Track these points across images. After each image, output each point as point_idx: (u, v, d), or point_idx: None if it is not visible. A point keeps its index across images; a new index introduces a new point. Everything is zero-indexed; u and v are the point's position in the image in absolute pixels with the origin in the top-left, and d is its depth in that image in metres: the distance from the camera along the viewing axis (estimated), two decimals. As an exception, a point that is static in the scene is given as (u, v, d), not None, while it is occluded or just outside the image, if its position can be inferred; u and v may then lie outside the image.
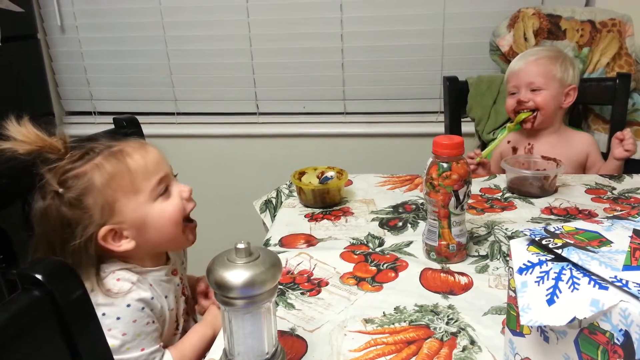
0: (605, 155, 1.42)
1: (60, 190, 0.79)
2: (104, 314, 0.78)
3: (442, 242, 0.90)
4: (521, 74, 1.40)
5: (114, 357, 0.77)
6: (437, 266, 0.91)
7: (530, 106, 1.39)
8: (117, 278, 0.82)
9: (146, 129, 1.14)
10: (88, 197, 0.81)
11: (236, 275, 0.56)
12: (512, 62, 1.45)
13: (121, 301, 0.80)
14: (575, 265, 0.52)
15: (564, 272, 0.51)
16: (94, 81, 2.17)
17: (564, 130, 1.45)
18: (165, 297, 0.87)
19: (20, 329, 0.51)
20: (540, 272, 0.53)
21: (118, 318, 0.79)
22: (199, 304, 1.01)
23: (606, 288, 0.48)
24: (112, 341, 0.78)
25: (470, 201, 1.12)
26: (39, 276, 0.53)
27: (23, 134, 0.79)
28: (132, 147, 0.87)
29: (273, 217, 1.20)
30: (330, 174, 1.22)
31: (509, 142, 1.49)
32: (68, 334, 0.55)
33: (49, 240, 0.81)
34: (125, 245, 0.83)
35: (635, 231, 0.56)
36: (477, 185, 1.26)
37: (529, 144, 1.44)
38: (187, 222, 0.90)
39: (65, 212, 0.80)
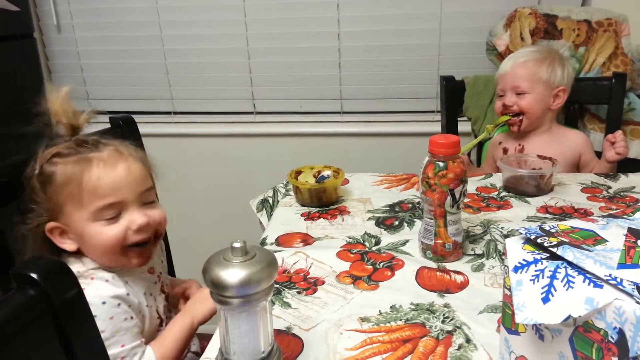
0: (600, 155, 1.43)
1: (37, 171, 0.82)
2: None
3: (438, 241, 0.91)
4: (507, 77, 1.41)
5: None
6: (433, 265, 0.91)
7: (514, 110, 1.40)
8: (92, 277, 0.83)
9: (142, 128, 1.14)
10: (50, 188, 0.83)
11: (232, 274, 0.56)
12: (502, 62, 1.45)
13: (96, 299, 0.80)
14: (570, 263, 0.52)
15: (559, 270, 0.52)
16: (90, 80, 2.16)
17: (555, 129, 1.45)
18: (144, 293, 0.87)
19: (15, 329, 0.51)
20: (536, 271, 0.53)
21: (95, 316, 0.79)
22: (180, 307, 1.01)
23: (601, 286, 0.48)
24: None
25: (466, 200, 1.12)
26: (34, 275, 0.53)
27: (59, 106, 0.85)
28: (104, 159, 0.84)
29: (269, 216, 1.20)
30: (326, 173, 1.22)
31: (500, 143, 1.50)
32: (63, 334, 0.55)
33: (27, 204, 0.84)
34: (68, 245, 0.85)
35: (630, 230, 0.56)
36: (473, 184, 1.27)
37: (520, 144, 1.45)
38: (134, 247, 0.86)
39: (37, 190, 0.83)
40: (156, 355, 0.85)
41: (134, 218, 0.84)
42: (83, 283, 0.80)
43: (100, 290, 0.81)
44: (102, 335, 0.78)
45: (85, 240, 0.84)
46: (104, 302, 0.81)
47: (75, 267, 0.84)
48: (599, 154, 1.44)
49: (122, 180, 0.83)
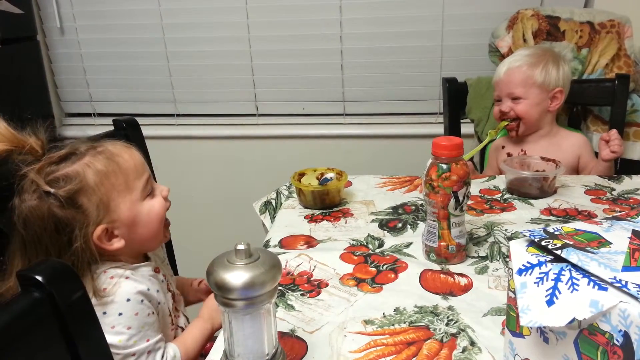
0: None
1: (52, 190, 0.78)
2: (104, 313, 0.78)
3: (441, 243, 0.91)
4: (501, 84, 1.41)
5: (123, 351, 0.78)
6: (436, 267, 0.91)
7: (511, 116, 1.40)
8: (111, 276, 0.83)
9: (146, 131, 1.15)
10: (82, 196, 0.80)
11: (236, 276, 0.57)
12: (497, 68, 1.45)
13: (120, 297, 0.81)
14: (574, 266, 0.52)
15: (563, 273, 0.51)
16: (93, 83, 2.17)
17: (555, 132, 1.45)
18: (156, 291, 0.88)
19: (21, 331, 0.51)
20: (540, 273, 0.53)
21: (120, 314, 0.80)
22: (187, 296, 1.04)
23: (605, 289, 0.48)
24: (118, 337, 0.79)
25: (469, 202, 1.12)
26: (39, 278, 0.53)
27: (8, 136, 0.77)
28: (117, 147, 0.87)
29: (273, 218, 1.20)
30: (329, 175, 1.22)
31: (503, 147, 1.50)
32: (68, 336, 0.55)
33: (40, 243, 0.80)
34: (116, 244, 0.84)
35: (634, 232, 0.56)
36: (476, 186, 1.27)
37: (522, 150, 1.45)
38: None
39: (58, 213, 0.79)
40: (180, 351, 0.87)
41: (160, 188, 0.92)
42: (117, 282, 0.82)
43: (122, 287, 0.82)
44: (129, 332, 0.79)
45: (139, 223, 0.87)
46: (128, 300, 0.81)
47: (120, 270, 0.84)
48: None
49: (141, 158, 0.90)
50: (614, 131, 1.34)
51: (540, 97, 1.38)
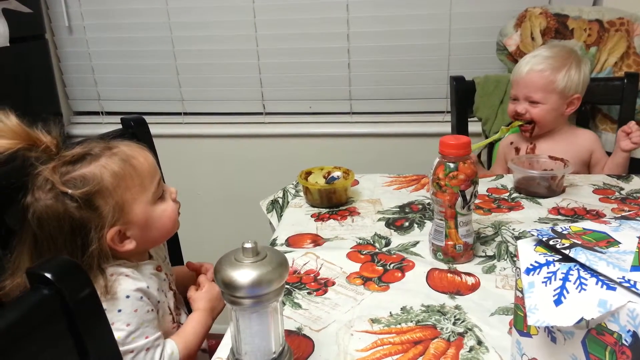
0: (610, 155, 1.41)
1: (69, 191, 0.79)
2: (104, 310, 0.79)
3: (448, 242, 0.90)
4: (521, 84, 1.39)
5: (121, 348, 0.78)
6: (443, 266, 0.91)
7: (526, 118, 1.39)
8: (111, 273, 0.83)
9: (153, 129, 1.15)
10: (99, 198, 0.81)
11: (243, 274, 0.57)
12: (518, 63, 1.43)
13: (120, 294, 0.81)
14: (582, 265, 0.51)
15: (571, 272, 0.51)
16: (101, 81, 2.18)
17: (567, 128, 1.44)
18: (157, 289, 0.89)
19: (30, 328, 0.52)
20: (548, 273, 0.53)
21: (119, 310, 0.80)
22: (189, 294, 1.02)
23: (614, 289, 0.48)
24: (117, 334, 0.79)
25: (477, 201, 1.11)
26: (48, 275, 0.53)
27: (9, 128, 0.77)
28: (131, 149, 0.87)
29: (280, 216, 1.21)
30: (336, 173, 1.22)
31: (511, 142, 1.49)
32: (76, 333, 0.55)
33: (54, 242, 0.80)
34: (128, 245, 0.85)
35: (643, 232, 0.56)
36: (484, 185, 1.26)
37: (532, 143, 1.44)
38: None
39: (74, 214, 0.79)
40: (179, 346, 0.87)
41: (169, 190, 0.93)
42: (117, 280, 0.82)
43: (122, 284, 0.82)
44: (128, 329, 0.79)
45: (152, 225, 0.87)
46: (127, 296, 0.81)
47: (120, 268, 0.85)
48: (609, 155, 1.42)
49: (153, 160, 0.90)
50: (633, 123, 1.32)
51: (558, 102, 1.37)
